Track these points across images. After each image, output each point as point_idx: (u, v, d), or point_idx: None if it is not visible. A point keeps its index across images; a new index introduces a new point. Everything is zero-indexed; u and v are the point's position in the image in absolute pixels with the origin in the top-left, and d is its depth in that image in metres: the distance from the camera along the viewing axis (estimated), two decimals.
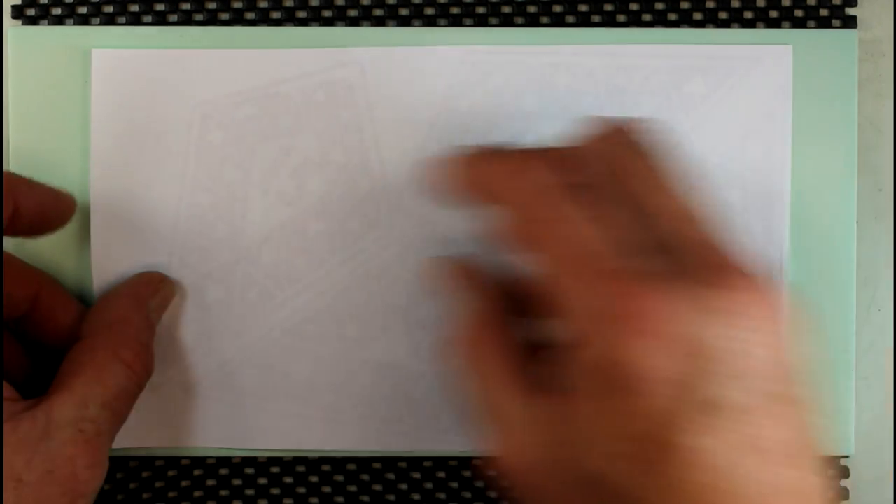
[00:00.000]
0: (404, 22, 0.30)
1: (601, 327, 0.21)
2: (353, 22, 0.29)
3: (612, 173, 0.23)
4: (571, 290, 0.22)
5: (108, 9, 0.29)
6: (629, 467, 0.21)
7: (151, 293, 0.28)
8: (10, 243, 0.28)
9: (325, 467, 0.30)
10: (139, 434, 0.29)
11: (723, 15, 0.30)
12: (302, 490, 0.30)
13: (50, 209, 0.26)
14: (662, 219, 0.22)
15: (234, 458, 0.30)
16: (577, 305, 0.22)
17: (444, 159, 0.25)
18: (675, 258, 0.21)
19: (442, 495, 0.30)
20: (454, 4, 0.30)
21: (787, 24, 0.30)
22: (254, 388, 0.29)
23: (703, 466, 0.21)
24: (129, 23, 0.29)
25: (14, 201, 0.25)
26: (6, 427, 0.23)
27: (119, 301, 0.27)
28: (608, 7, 0.30)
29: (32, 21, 0.29)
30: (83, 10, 0.29)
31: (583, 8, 0.30)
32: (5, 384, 0.24)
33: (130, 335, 0.26)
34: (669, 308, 0.20)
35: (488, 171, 0.24)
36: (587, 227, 0.22)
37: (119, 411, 0.25)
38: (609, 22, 0.30)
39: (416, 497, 0.30)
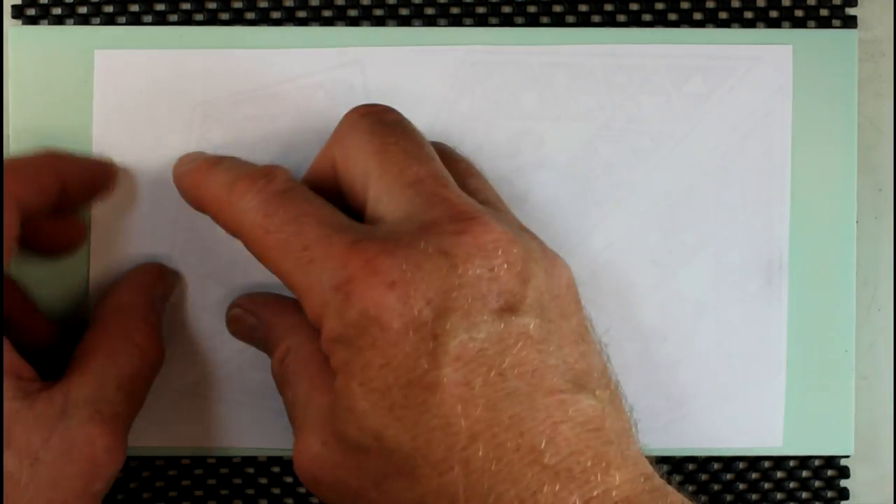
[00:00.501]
0: (404, 22, 0.30)
1: (337, 295, 0.21)
2: (353, 22, 0.29)
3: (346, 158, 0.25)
4: (308, 274, 0.22)
5: (109, 9, 0.29)
6: (396, 419, 0.21)
7: (153, 282, 0.28)
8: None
9: None
10: (139, 434, 0.29)
11: (723, 15, 0.30)
12: (302, 490, 0.30)
13: (97, 176, 0.28)
14: (417, 185, 0.23)
15: (234, 458, 0.30)
16: (315, 286, 0.22)
17: (181, 162, 0.26)
18: (413, 220, 0.22)
19: None
20: (454, 4, 0.30)
21: (787, 24, 0.30)
22: (254, 388, 0.29)
23: (469, 400, 0.20)
24: (129, 23, 0.29)
25: (61, 177, 0.26)
26: (22, 405, 0.23)
27: (125, 287, 0.28)
28: (608, 7, 0.30)
29: (32, 21, 0.29)
30: (83, 9, 0.29)
31: (583, 8, 0.30)
32: (24, 364, 0.24)
33: (139, 318, 0.27)
34: (398, 261, 0.21)
35: (204, 186, 0.25)
36: (310, 217, 0.23)
37: (134, 394, 0.26)
38: (609, 22, 0.30)
39: None
